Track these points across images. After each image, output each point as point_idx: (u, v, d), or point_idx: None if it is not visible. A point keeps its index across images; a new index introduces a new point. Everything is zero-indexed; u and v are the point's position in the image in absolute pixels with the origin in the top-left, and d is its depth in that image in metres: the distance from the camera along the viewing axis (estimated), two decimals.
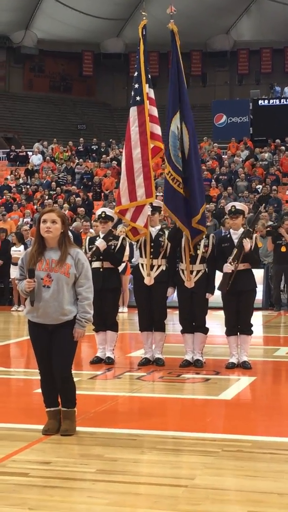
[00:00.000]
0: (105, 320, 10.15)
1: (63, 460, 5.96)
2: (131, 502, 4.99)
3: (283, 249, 17.34)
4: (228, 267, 9.75)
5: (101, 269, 10.04)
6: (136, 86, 10.50)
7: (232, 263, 9.73)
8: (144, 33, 10.56)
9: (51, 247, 6.60)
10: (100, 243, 10.13)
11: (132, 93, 10.63)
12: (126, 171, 10.32)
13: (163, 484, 5.33)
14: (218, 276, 10.14)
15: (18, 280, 6.74)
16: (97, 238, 10.51)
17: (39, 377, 6.96)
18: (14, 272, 18.27)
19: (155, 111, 10.55)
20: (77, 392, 6.87)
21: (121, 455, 6.04)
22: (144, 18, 10.67)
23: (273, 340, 13.59)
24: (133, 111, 10.40)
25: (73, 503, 4.97)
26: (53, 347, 6.62)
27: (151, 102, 10.45)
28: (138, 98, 10.41)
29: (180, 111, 10.10)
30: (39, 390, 7.12)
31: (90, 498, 5.10)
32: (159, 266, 10.17)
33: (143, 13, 10.83)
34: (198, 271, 10.06)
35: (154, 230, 10.25)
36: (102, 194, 27.89)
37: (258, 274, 13.96)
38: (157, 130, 10.44)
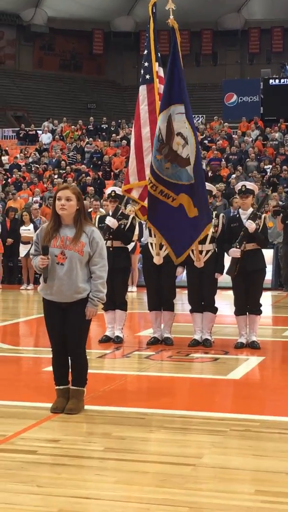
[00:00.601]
0: (115, 299, 10.14)
1: (72, 438, 5.97)
2: (139, 480, 5.00)
3: None
4: (235, 252, 9.73)
5: (111, 248, 10.01)
6: (146, 64, 10.44)
7: (238, 247, 9.71)
8: (154, 11, 10.46)
9: (66, 224, 6.58)
10: (110, 221, 10.10)
11: (142, 71, 10.57)
12: (135, 150, 10.27)
13: (171, 462, 5.34)
14: (228, 256, 10.12)
15: (33, 255, 6.74)
16: (108, 215, 10.51)
17: (48, 356, 6.97)
18: (23, 251, 18.34)
19: None
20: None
21: (129, 434, 6.05)
22: None
23: (282, 320, 13.58)
24: (142, 89, 10.36)
25: (81, 481, 4.98)
26: (67, 325, 6.62)
27: (160, 81, 10.36)
28: (147, 76, 10.36)
29: (186, 112, 9.84)
30: (48, 368, 7.14)
31: (98, 476, 5.11)
32: None
33: None
34: (207, 251, 10.04)
35: None
36: (112, 173, 27.87)
37: (268, 254, 13.93)
38: None
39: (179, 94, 9.79)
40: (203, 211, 9.66)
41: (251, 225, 9.69)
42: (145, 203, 10.09)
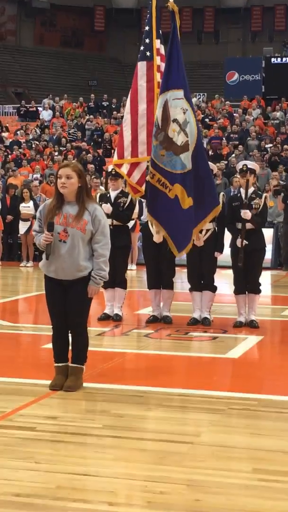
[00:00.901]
0: (114, 277, 10.12)
1: (70, 415, 6.00)
2: (137, 458, 5.02)
3: None
4: (239, 242, 9.75)
5: (111, 227, 10.00)
6: (147, 41, 10.39)
7: (240, 238, 9.74)
8: None
9: (68, 201, 6.57)
10: (105, 207, 9.98)
11: (142, 47, 10.51)
12: (131, 125, 10.23)
13: (169, 440, 5.36)
14: (227, 235, 10.13)
15: (36, 232, 6.73)
16: (107, 194, 10.49)
17: (47, 333, 6.99)
18: (23, 228, 18.36)
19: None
20: None
21: (128, 411, 6.07)
22: None
23: (281, 299, 13.60)
24: (142, 65, 10.30)
25: (79, 458, 5.00)
26: (68, 303, 6.62)
27: (162, 58, 10.32)
28: (148, 53, 10.32)
29: (185, 98, 9.81)
30: (48, 346, 7.15)
31: (96, 453, 5.13)
32: None
33: None
34: (207, 230, 10.04)
35: None
36: (113, 151, 27.74)
37: (268, 233, 13.95)
38: None
39: (177, 79, 9.78)
40: (202, 198, 9.66)
41: (246, 214, 9.69)
42: (131, 180, 10.13)
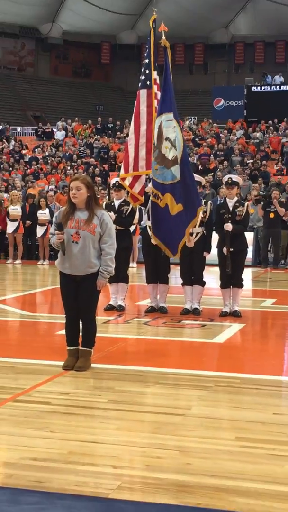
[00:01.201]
0: (118, 274, 10.11)
1: (80, 391, 6.00)
2: (137, 427, 5.02)
3: (272, 215, 17.41)
4: (225, 250, 9.78)
5: (115, 230, 10.01)
6: (147, 71, 10.43)
7: (226, 247, 9.77)
8: (154, 26, 10.45)
9: (80, 208, 6.60)
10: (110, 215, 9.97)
11: (143, 77, 10.53)
12: (134, 143, 10.27)
13: (164, 413, 5.36)
14: (215, 238, 10.15)
15: (52, 234, 6.78)
16: (112, 203, 10.50)
17: (60, 321, 6.99)
18: (40, 231, 18.39)
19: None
20: None
21: (129, 388, 6.07)
22: (154, 13, 10.56)
23: (260, 292, 13.60)
24: (143, 93, 10.36)
25: (88, 428, 5.01)
26: (80, 295, 6.65)
27: (158, 88, 10.37)
28: (148, 82, 10.38)
29: (174, 118, 9.85)
30: (61, 332, 7.15)
31: (102, 423, 5.14)
32: None
33: (154, 9, 10.76)
34: (197, 233, 10.05)
35: None
36: (117, 165, 27.78)
37: (249, 236, 13.92)
38: None
39: (169, 104, 9.87)
40: (191, 201, 9.65)
41: (227, 227, 9.73)
42: (133, 191, 10.17)
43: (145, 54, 10.66)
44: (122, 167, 10.57)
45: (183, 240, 9.66)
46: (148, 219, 10.13)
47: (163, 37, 10.17)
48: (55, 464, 4.24)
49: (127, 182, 10.26)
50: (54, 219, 6.86)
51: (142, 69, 10.60)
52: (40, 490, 3.74)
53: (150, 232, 10.07)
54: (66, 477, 4.02)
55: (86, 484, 3.92)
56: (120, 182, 10.50)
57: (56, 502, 1.32)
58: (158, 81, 10.40)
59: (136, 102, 10.46)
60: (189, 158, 25.23)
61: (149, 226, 10.11)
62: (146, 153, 10.08)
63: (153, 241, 9.99)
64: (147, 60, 10.49)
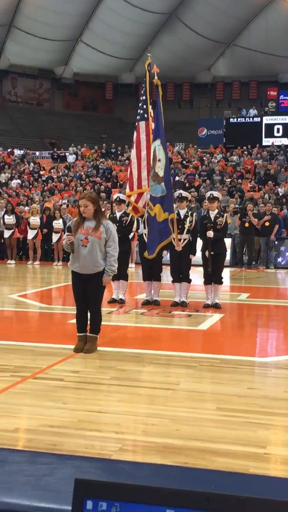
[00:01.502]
0: (119, 273, 10.09)
1: (88, 370, 6.00)
2: (135, 400, 5.02)
3: (247, 224, 17.46)
4: (207, 253, 9.80)
5: None
6: (144, 106, 10.48)
7: (208, 251, 9.79)
8: (149, 68, 10.49)
9: (88, 218, 6.63)
10: None
11: (141, 111, 10.57)
12: (137, 165, 10.36)
13: (157, 387, 5.36)
14: (199, 243, 10.16)
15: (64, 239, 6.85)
16: (114, 215, 10.50)
17: (71, 312, 6.98)
18: (55, 238, 18.40)
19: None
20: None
21: (129, 367, 6.07)
22: (149, 58, 10.60)
23: (237, 288, 13.61)
24: (142, 124, 10.44)
25: (95, 400, 5.00)
26: (89, 291, 6.66)
27: (152, 120, 10.44)
28: (145, 115, 10.43)
29: (162, 143, 9.94)
30: (72, 321, 7.14)
31: (106, 396, 5.13)
32: None
33: (149, 55, 10.79)
34: (184, 239, 10.06)
35: None
36: (118, 183, 27.78)
37: (227, 241, 13.96)
38: None
39: (158, 132, 9.88)
40: (169, 210, 9.75)
41: (209, 234, 9.75)
42: (138, 205, 10.24)
43: (142, 92, 10.69)
44: (127, 186, 10.64)
45: (161, 245, 9.73)
46: (144, 228, 10.17)
47: (156, 77, 10.23)
48: (67, 430, 4.23)
49: (133, 198, 10.35)
50: (67, 228, 6.92)
51: (140, 104, 10.63)
52: (54, 452, 3.73)
53: (145, 239, 10.09)
54: (76, 441, 4.02)
55: (92, 447, 3.91)
56: (120, 198, 10.54)
57: (67, 462, 1.31)
58: (152, 114, 10.45)
59: (136, 132, 10.51)
60: (177, 177, 25.43)
61: (145, 234, 10.14)
62: (147, 174, 10.15)
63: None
64: (143, 97, 10.54)
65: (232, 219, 17.91)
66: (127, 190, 10.62)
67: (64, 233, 6.88)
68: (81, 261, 6.59)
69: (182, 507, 0.94)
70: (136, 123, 10.62)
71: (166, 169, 9.89)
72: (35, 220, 18.73)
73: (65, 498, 1.16)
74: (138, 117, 10.63)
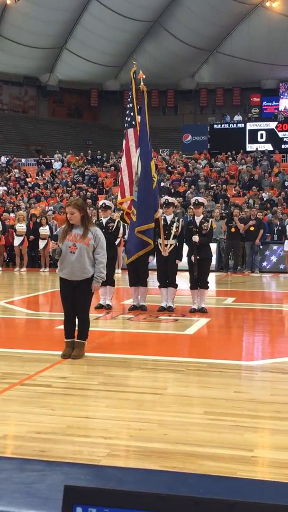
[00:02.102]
0: (106, 278, 10.08)
1: (76, 375, 5.98)
2: (123, 405, 5.01)
3: (233, 229, 17.50)
4: (193, 258, 9.83)
5: None
6: (132, 114, 10.51)
7: (194, 255, 9.81)
8: (134, 76, 10.51)
9: (76, 226, 6.63)
10: None
11: (128, 118, 10.60)
12: (128, 173, 10.36)
13: (145, 392, 5.35)
14: (185, 249, 10.17)
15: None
16: (100, 220, 10.49)
17: (59, 318, 6.96)
18: (41, 244, 18.37)
19: None
20: None
21: (116, 372, 6.06)
22: (134, 65, 10.62)
23: (223, 292, 13.64)
24: (130, 131, 10.48)
25: (83, 406, 4.99)
26: (77, 297, 6.64)
27: (139, 126, 10.44)
28: (133, 122, 10.45)
29: (140, 153, 9.94)
30: (60, 327, 7.11)
31: (94, 402, 5.12)
32: None
33: (134, 62, 10.83)
34: (171, 245, 10.07)
35: None
36: (104, 190, 27.78)
37: (213, 246, 13.99)
38: None
39: (140, 141, 10.01)
40: (143, 216, 9.74)
41: (195, 239, 9.77)
42: (130, 210, 10.25)
43: (129, 99, 10.70)
44: (119, 193, 10.64)
45: (140, 252, 9.78)
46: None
47: (142, 83, 10.25)
48: (56, 436, 4.21)
49: (125, 205, 10.34)
50: (54, 235, 6.93)
51: (127, 112, 10.65)
52: (43, 459, 3.71)
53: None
54: (64, 447, 4.00)
55: (81, 453, 3.90)
56: (106, 204, 10.53)
57: (56, 469, 1.31)
58: (139, 121, 10.47)
59: (125, 139, 10.52)
60: (163, 183, 25.47)
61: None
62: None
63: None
64: (130, 105, 10.55)
65: (218, 224, 17.97)
66: (119, 197, 10.62)
67: (51, 239, 6.87)
68: (69, 268, 6.58)
69: None
70: (125, 131, 10.63)
71: (141, 180, 9.85)
72: (21, 227, 18.68)
73: (54, 505, 1.15)
74: (126, 125, 10.65)
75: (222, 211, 19.92)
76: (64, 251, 6.56)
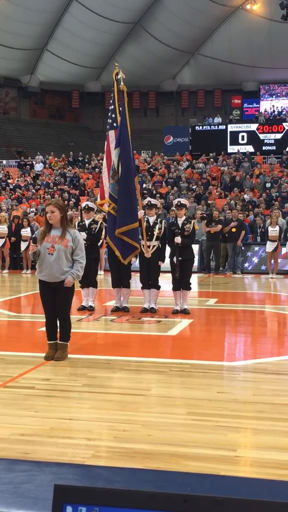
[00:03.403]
0: (88, 280, 10.13)
1: (59, 377, 5.97)
2: (106, 406, 5.01)
3: (212, 231, 17.55)
4: (175, 259, 9.85)
5: (85, 244, 9.98)
6: (113, 115, 10.49)
7: (176, 257, 9.84)
8: (116, 78, 10.51)
9: (55, 227, 6.61)
10: (82, 235, 9.98)
11: (110, 120, 10.59)
12: (108, 175, 10.33)
13: (129, 393, 5.36)
14: (168, 250, 10.20)
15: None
16: (83, 221, 10.49)
17: (41, 320, 6.94)
18: (23, 246, 18.29)
19: None
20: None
21: (99, 374, 6.06)
22: (117, 67, 10.61)
23: (205, 294, 13.68)
24: (111, 133, 10.45)
25: (66, 407, 4.98)
26: (57, 298, 6.62)
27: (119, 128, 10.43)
28: (114, 124, 10.43)
29: (120, 153, 9.93)
30: (43, 329, 7.09)
31: (78, 403, 5.12)
32: None
33: (116, 64, 10.81)
34: (153, 246, 10.10)
35: None
36: (86, 191, 27.73)
37: (195, 248, 14.05)
38: None
39: (119, 141, 9.95)
40: (125, 214, 9.73)
41: (177, 240, 9.80)
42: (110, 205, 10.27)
43: (111, 101, 10.69)
44: (99, 195, 10.64)
45: (134, 253, 9.80)
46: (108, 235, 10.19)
47: (122, 83, 10.26)
48: (39, 438, 4.21)
49: (105, 207, 10.33)
50: (34, 236, 6.88)
51: (109, 114, 10.64)
52: (29, 460, 3.71)
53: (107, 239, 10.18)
54: (48, 448, 4.00)
55: (65, 454, 3.90)
56: (89, 206, 10.54)
57: (44, 469, 1.32)
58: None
59: (106, 141, 10.51)
60: (144, 185, 25.49)
61: (109, 243, 10.18)
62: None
63: (117, 253, 10.00)
64: (112, 106, 10.55)
65: (200, 226, 18.02)
66: (99, 199, 10.63)
67: (32, 242, 6.85)
68: (48, 270, 6.57)
69: (161, 510, 0.95)
70: (106, 133, 10.62)
71: (122, 181, 9.84)
72: (2, 228, 18.59)
73: (44, 504, 1.16)
74: (107, 126, 10.65)
75: (203, 212, 19.98)
76: (43, 253, 6.54)
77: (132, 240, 9.79)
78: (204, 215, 19.04)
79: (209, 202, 22.55)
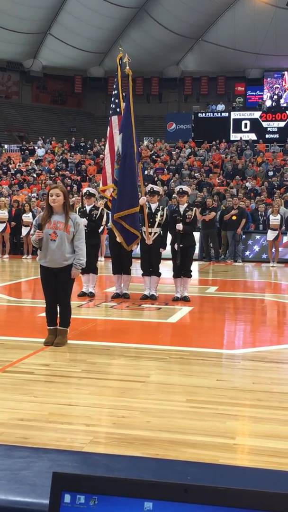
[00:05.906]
0: (89, 266, 10.10)
1: (59, 363, 5.97)
2: (105, 392, 5.01)
3: (206, 218, 17.58)
4: (176, 246, 9.83)
5: (86, 231, 9.97)
6: (116, 101, 10.41)
7: (177, 243, 9.81)
8: (120, 62, 10.42)
9: (56, 212, 6.59)
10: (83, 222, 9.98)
11: (113, 105, 10.50)
12: (110, 160, 10.28)
13: (128, 380, 5.36)
14: (169, 237, 10.18)
15: (32, 234, 6.75)
16: (84, 208, 10.46)
17: (41, 305, 6.93)
18: (24, 231, 18.24)
19: None
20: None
21: (99, 360, 6.06)
22: (121, 52, 10.52)
23: (205, 281, 13.68)
24: (114, 118, 10.37)
25: (65, 393, 4.98)
26: (58, 284, 6.62)
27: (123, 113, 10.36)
28: (118, 109, 10.35)
29: (122, 138, 9.88)
30: (43, 314, 7.09)
31: (77, 389, 5.11)
32: None
33: (120, 49, 10.72)
34: (155, 233, 10.07)
35: None
36: (87, 177, 27.66)
37: (196, 235, 14.02)
38: None
39: (123, 126, 9.91)
40: (124, 200, 9.68)
41: (178, 227, 9.76)
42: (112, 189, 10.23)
43: (114, 86, 10.61)
44: (101, 181, 10.57)
45: (137, 240, 9.78)
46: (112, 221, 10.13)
47: (127, 67, 10.16)
48: (38, 423, 4.21)
49: (108, 193, 10.28)
50: (34, 222, 6.85)
51: (112, 99, 10.55)
52: (27, 445, 3.71)
53: (110, 225, 10.13)
54: (47, 434, 4.00)
55: (63, 440, 3.90)
56: (90, 192, 10.50)
57: (43, 456, 1.30)
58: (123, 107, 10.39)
59: (109, 127, 10.42)
60: (146, 172, 25.41)
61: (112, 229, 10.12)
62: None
63: (118, 239, 9.98)
64: (115, 91, 10.46)
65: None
66: (101, 185, 10.57)
67: (30, 227, 6.86)
68: (50, 255, 6.56)
69: (161, 499, 0.94)
70: (109, 118, 10.55)
71: (123, 165, 9.78)
72: (3, 213, 18.56)
73: (42, 491, 1.15)
74: (110, 112, 10.57)
75: (198, 200, 19.93)
76: (45, 239, 6.52)
77: (133, 228, 9.76)
78: (198, 203, 18.98)
79: (214, 192, 22.46)
